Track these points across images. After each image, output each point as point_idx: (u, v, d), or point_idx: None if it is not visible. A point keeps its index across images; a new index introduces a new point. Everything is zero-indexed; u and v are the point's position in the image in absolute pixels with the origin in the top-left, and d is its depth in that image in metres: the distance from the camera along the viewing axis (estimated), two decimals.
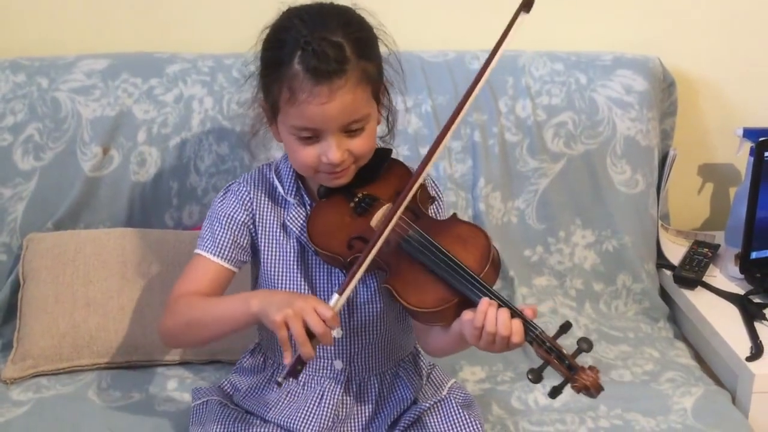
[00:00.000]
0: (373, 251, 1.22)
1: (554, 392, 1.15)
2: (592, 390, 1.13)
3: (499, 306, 1.18)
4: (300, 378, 1.39)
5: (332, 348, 1.38)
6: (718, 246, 2.01)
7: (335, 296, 1.20)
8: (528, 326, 1.17)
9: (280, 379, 1.18)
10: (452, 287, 1.22)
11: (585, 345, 1.15)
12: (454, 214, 1.36)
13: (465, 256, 1.23)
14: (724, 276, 1.93)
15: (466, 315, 1.19)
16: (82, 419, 1.52)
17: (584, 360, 1.16)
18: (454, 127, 1.27)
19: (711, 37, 2.05)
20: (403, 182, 1.34)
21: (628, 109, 1.90)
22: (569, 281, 1.93)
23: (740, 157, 2.04)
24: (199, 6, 1.92)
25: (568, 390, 1.58)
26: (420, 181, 1.27)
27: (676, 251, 2.00)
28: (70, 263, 1.69)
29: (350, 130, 1.28)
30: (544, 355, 1.15)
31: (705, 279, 1.89)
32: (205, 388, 1.49)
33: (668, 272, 1.95)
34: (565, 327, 1.18)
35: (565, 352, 1.15)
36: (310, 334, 1.15)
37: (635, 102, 1.90)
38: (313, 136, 1.27)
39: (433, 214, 1.40)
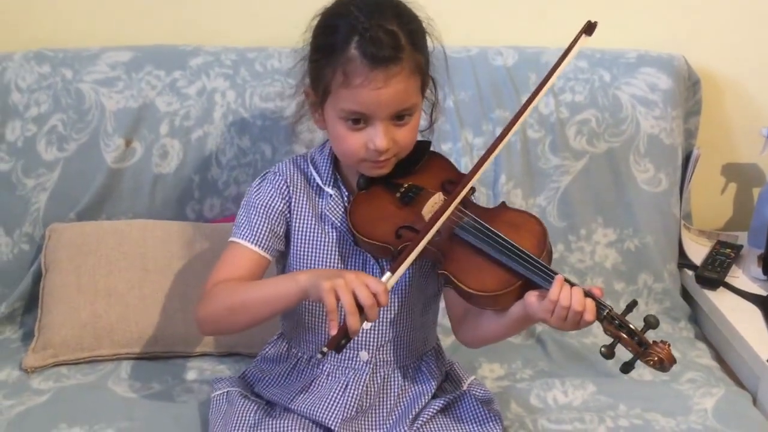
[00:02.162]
0: (431, 233, 1.24)
1: (626, 367, 1.19)
2: (666, 362, 1.17)
3: (572, 285, 1.20)
4: (324, 367, 1.40)
5: (359, 339, 1.38)
6: (740, 247, 1.99)
7: (387, 274, 1.21)
8: (599, 304, 1.20)
9: (324, 349, 1.16)
10: (514, 271, 1.23)
11: (653, 320, 1.19)
12: (503, 203, 1.38)
13: (522, 242, 1.25)
14: (747, 277, 1.91)
15: (532, 295, 1.22)
16: (102, 409, 1.52)
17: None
18: (519, 123, 1.31)
19: (737, 35, 2.03)
20: (446, 173, 1.38)
21: (652, 108, 1.89)
22: (590, 280, 1.92)
23: (765, 157, 2.02)
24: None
25: (588, 388, 1.62)
26: (481, 171, 1.30)
27: (698, 251, 1.99)
28: (92, 254, 1.70)
29: (398, 119, 1.29)
30: (614, 332, 1.19)
31: (727, 280, 1.88)
32: (226, 378, 1.50)
33: (690, 272, 1.93)
34: (632, 305, 1.21)
35: (634, 327, 1.18)
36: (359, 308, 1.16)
37: (659, 100, 1.89)
38: (361, 121, 1.28)
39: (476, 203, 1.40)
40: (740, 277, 1.91)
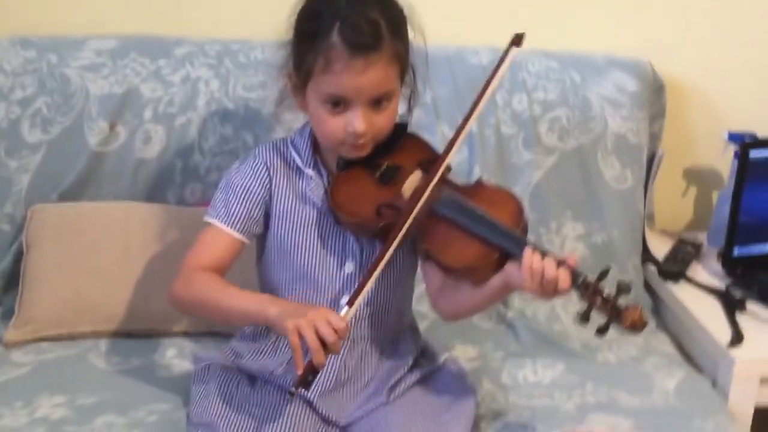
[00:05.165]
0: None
1: (600, 331, 1.24)
2: (638, 324, 1.22)
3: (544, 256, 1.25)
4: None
5: None
6: (701, 245, 2.07)
7: (345, 308, 1.25)
8: (574, 272, 1.25)
9: (292, 390, 1.23)
10: (491, 243, 1.29)
11: (625, 286, 1.24)
12: (480, 179, 1.44)
13: (498, 215, 1.31)
14: (707, 272, 1.97)
15: (511, 266, 1.27)
16: (83, 380, 1.55)
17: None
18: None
19: (700, 44, 2.11)
20: (423, 152, 1.43)
21: (619, 108, 1.95)
22: None
23: (724, 161, 2.09)
24: None
25: (557, 367, 1.67)
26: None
27: (661, 249, 2.04)
28: (74, 233, 1.72)
29: (376, 104, 1.34)
30: (589, 298, 1.24)
31: (688, 274, 1.94)
32: (207, 354, 1.53)
33: (653, 267, 1.99)
34: (605, 273, 1.26)
35: (607, 293, 1.23)
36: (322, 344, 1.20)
37: (627, 102, 1.96)
38: (341, 105, 1.33)
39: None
40: (700, 272, 1.97)
